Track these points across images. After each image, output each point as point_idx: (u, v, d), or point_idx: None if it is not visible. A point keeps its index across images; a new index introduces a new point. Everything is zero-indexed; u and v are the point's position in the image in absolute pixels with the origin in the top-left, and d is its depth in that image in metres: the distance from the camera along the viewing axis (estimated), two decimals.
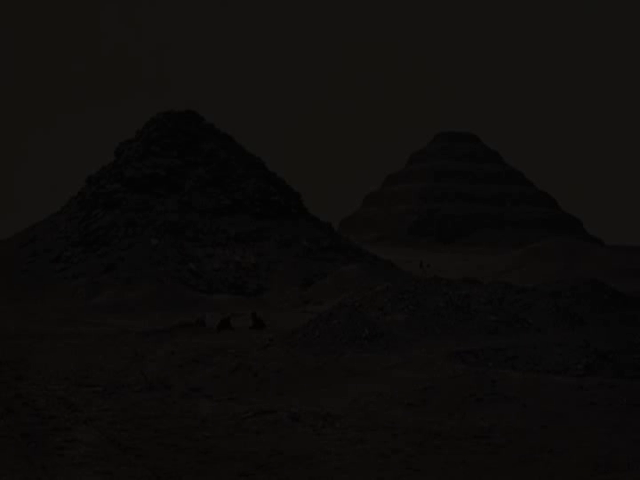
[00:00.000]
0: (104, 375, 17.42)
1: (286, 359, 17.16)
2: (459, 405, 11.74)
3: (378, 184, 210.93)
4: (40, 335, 28.79)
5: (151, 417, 12.40)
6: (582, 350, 16.29)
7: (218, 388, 15.05)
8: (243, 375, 15.97)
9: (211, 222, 67.31)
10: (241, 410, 12.70)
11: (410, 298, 24.07)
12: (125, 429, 11.42)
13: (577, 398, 11.55)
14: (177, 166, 71.87)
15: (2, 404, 13.41)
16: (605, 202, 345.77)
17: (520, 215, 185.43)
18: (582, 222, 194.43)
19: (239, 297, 53.80)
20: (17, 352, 22.43)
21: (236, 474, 8.88)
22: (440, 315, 22.72)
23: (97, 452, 9.81)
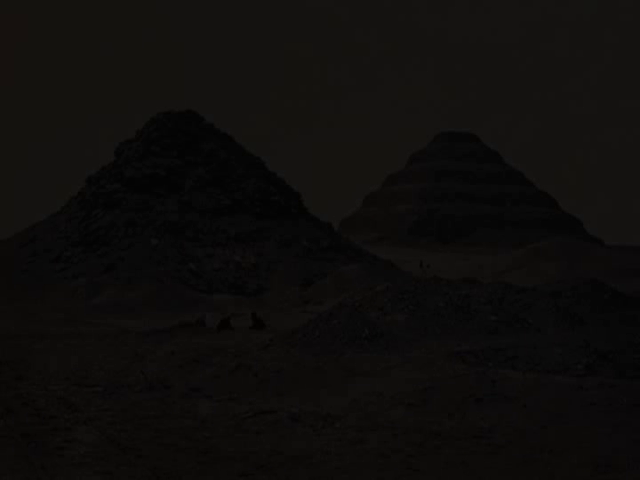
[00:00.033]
0: (104, 375, 17.42)
1: (286, 359, 17.16)
2: (459, 405, 11.74)
3: (378, 184, 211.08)
4: (40, 335, 28.80)
5: (151, 417, 12.40)
6: (582, 350, 16.29)
7: (218, 388, 15.04)
8: (243, 375, 15.97)
9: (211, 222, 67.31)
10: (241, 410, 12.69)
11: (410, 298, 24.06)
12: (125, 429, 11.42)
13: (577, 398, 11.55)
14: (177, 166, 71.87)
15: (2, 404, 13.41)
16: (605, 202, 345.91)
17: (520, 215, 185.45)
18: (582, 222, 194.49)
19: (239, 297, 53.81)
20: (17, 352, 22.43)
21: (236, 474, 8.88)
22: (440, 315, 22.72)
23: (97, 452, 9.81)
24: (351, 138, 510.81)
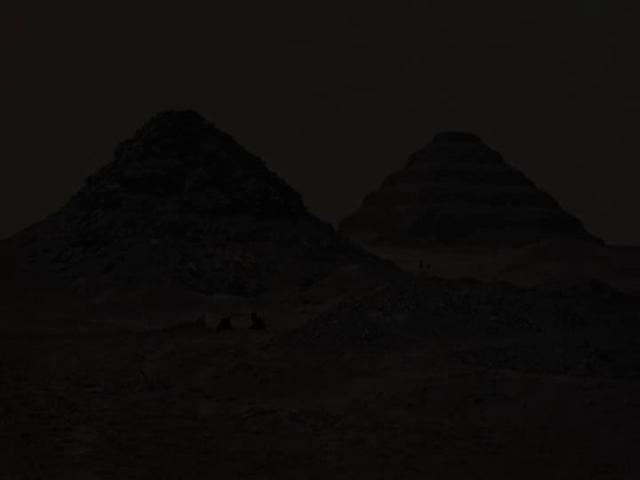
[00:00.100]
0: (104, 375, 17.42)
1: (286, 359, 17.16)
2: (459, 405, 11.74)
3: (378, 184, 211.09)
4: (40, 335, 28.80)
5: (151, 417, 12.40)
6: (582, 350, 16.29)
7: (218, 388, 15.04)
8: (243, 375, 15.97)
9: (211, 222, 67.31)
10: (241, 410, 12.69)
11: (410, 298, 24.06)
12: (125, 429, 11.42)
13: (577, 398, 11.55)
14: (177, 166, 71.88)
15: (2, 404, 13.41)
16: (605, 202, 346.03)
17: (520, 215, 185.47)
18: (582, 222, 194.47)
19: (239, 297, 53.81)
20: (17, 352, 22.43)
21: (236, 474, 8.88)
22: (440, 315, 22.71)
23: (97, 452, 9.80)
24: (351, 138, 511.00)
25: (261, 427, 11.42)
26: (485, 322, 22.36)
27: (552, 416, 10.68)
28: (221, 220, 67.97)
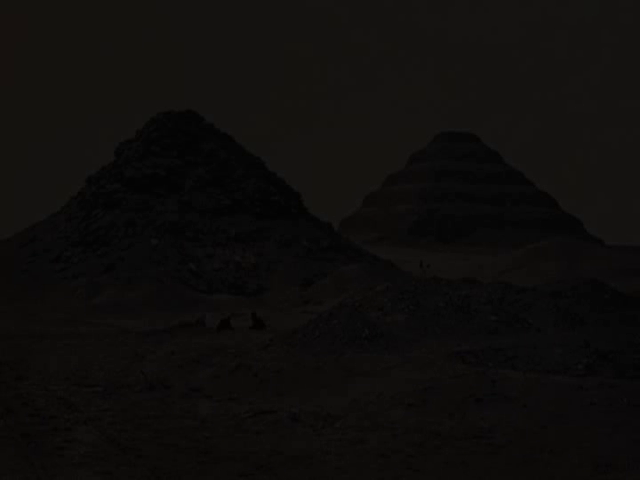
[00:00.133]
0: (104, 375, 17.42)
1: (286, 359, 17.15)
2: (459, 405, 11.74)
3: (378, 184, 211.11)
4: (40, 335, 28.80)
5: (151, 417, 12.40)
6: (582, 350, 16.29)
7: (218, 388, 15.04)
8: (243, 375, 15.97)
9: (211, 222, 67.31)
10: (241, 410, 12.69)
11: (410, 298, 24.06)
12: (125, 429, 11.42)
13: (577, 398, 11.55)
14: (177, 166, 71.88)
15: (2, 404, 13.41)
16: (605, 202, 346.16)
17: (520, 215, 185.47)
18: (582, 222, 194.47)
19: (239, 297, 53.81)
20: (17, 352, 22.43)
21: (236, 474, 8.88)
22: (440, 315, 22.71)
23: (97, 452, 9.80)
24: (351, 138, 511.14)
25: (261, 427, 11.42)
26: (485, 322, 22.36)
27: (552, 416, 10.68)
28: (221, 220, 67.97)
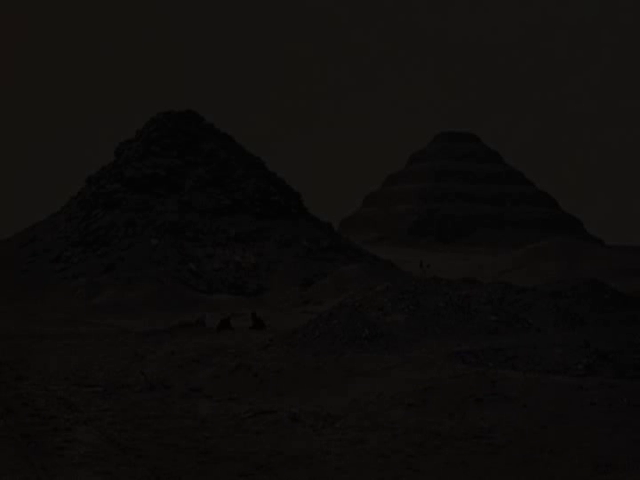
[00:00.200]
0: (104, 375, 17.42)
1: (286, 359, 17.15)
2: (459, 405, 11.73)
3: (378, 184, 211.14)
4: (40, 335, 28.81)
5: (151, 417, 12.40)
6: (582, 350, 16.29)
7: (218, 388, 15.04)
8: (243, 375, 15.97)
9: (211, 222, 67.30)
10: (241, 410, 12.69)
11: (410, 298, 24.05)
12: (125, 429, 11.42)
13: (577, 398, 11.55)
14: (177, 166, 71.88)
15: (2, 404, 13.41)
16: (605, 202, 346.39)
17: (520, 215, 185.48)
18: (582, 222, 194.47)
19: (239, 297, 53.81)
20: (17, 352, 22.43)
21: (236, 474, 8.88)
22: (440, 315, 22.71)
23: (97, 452, 9.80)
24: (351, 138, 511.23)
25: (261, 427, 11.42)
26: (485, 322, 22.36)
27: (552, 416, 10.67)
28: (221, 220, 67.96)
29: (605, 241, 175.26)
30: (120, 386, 15.74)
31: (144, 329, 30.42)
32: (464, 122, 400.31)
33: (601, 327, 22.25)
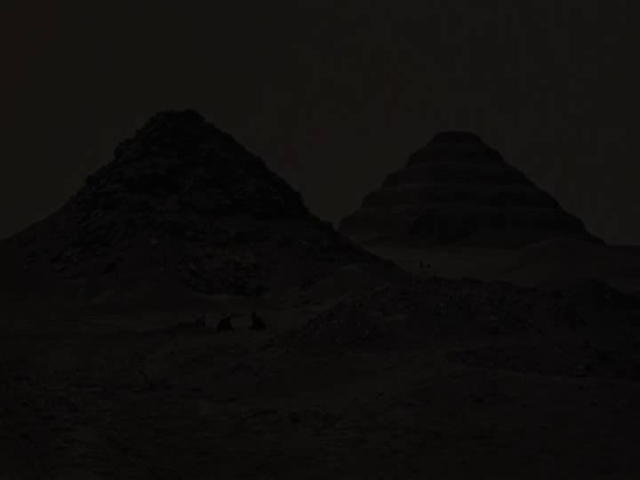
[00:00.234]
0: (104, 375, 17.41)
1: (286, 359, 17.15)
2: (459, 405, 11.73)
3: (378, 184, 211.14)
4: (40, 335, 28.79)
5: (151, 417, 12.39)
6: (583, 350, 16.28)
7: (218, 388, 15.04)
8: (243, 375, 15.97)
9: (211, 222, 67.29)
10: (241, 410, 12.69)
11: (410, 298, 24.05)
12: (125, 429, 11.41)
13: (578, 398, 11.54)
14: (177, 166, 71.87)
15: (2, 404, 13.40)
16: (605, 202, 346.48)
17: (520, 215, 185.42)
18: (582, 222, 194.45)
19: (239, 297, 53.79)
20: (17, 352, 22.42)
21: (236, 474, 8.88)
22: (440, 315, 22.70)
23: (97, 452, 9.80)
24: (351, 138, 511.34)
25: (261, 427, 11.41)
26: (485, 322, 22.35)
27: (552, 416, 10.67)
28: (221, 220, 67.95)
29: (605, 241, 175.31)
30: (120, 386, 15.73)
31: (144, 329, 30.40)
32: (464, 122, 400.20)
33: (601, 327, 22.24)
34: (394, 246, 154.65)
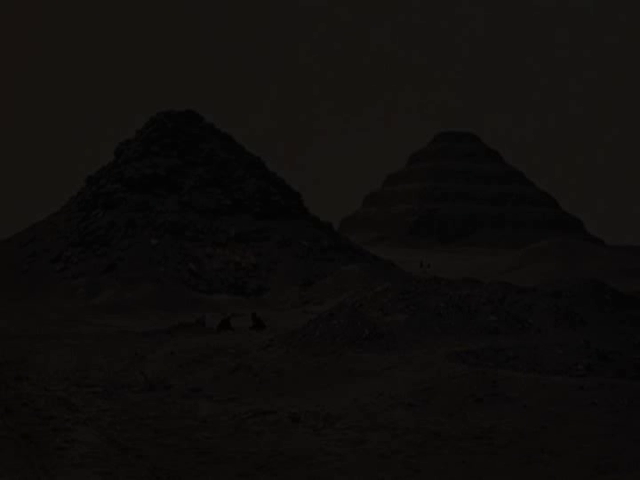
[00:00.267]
0: (104, 375, 17.41)
1: (286, 359, 17.15)
2: (459, 405, 11.73)
3: (378, 184, 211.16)
4: (40, 335, 28.79)
5: (151, 417, 12.39)
6: (583, 350, 16.28)
7: (218, 388, 15.03)
8: (243, 375, 15.96)
9: (211, 222, 67.30)
10: (241, 410, 12.68)
11: (410, 298, 24.05)
12: (125, 429, 11.41)
13: (578, 398, 11.54)
14: (177, 166, 71.87)
15: (2, 404, 13.40)
16: (605, 202, 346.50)
17: (520, 215, 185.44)
18: (582, 222, 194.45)
19: (239, 297, 53.80)
20: (17, 352, 22.41)
21: (236, 474, 8.88)
22: (440, 315, 22.70)
23: (97, 452, 9.80)
24: (351, 138, 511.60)
25: (261, 427, 11.41)
26: (485, 322, 22.34)
27: (552, 416, 10.67)
28: (221, 220, 67.95)
29: (605, 241, 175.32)
30: (120, 386, 15.73)
31: (144, 329, 30.40)
32: (464, 122, 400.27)
33: (601, 327, 22.24)
34: (394, 246, 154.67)
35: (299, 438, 10.62)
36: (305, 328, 20.15)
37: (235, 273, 60.67)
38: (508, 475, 8.48)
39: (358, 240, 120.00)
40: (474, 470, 8.72)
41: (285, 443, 10.34)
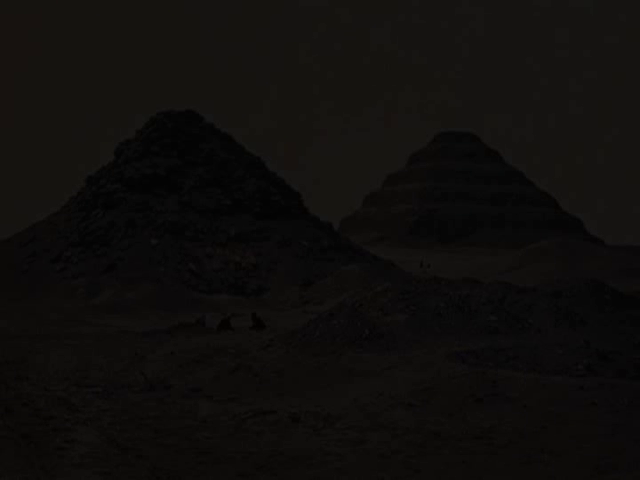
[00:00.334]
0: (104, 375, 17.41)
1: (286, 359, 17.15)
2: (459, 405, 11.73)
3: (378, 184, 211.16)
4: (40, 335, 28.79)
5: (151, 417, 12.39)
6: (583, 350, 16.28)
7: (218, 388, 15.03)
8: (243, 375, 15.96)
9: (211, 222, 67.30)
10: (241, 410, 12.68)
11: (410, 298, 24.04)
12: (125, 429, 11.41)
13: (578, 398, 11.54)
14: (177, 166, 71.87)
15: (2, 404, 13.40)
16: (605, 202, 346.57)
17: (520, 215, 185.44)
18: (582, 222, 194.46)
19: (239, 297, 53.80)
20: (17, 352, 22.41)
21: (236, 474, 8.88)
22: (440, 315, 22.70)
23: (97, 452, 9.80)
24: (351, 138, 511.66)
25: (261, 427, 11.41)
26: (485, 322, 22.34)
27: (552, 416, 10.67)
28: (221, 220, 67.95)
29: (605, 241, 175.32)
30: (120, 386, 15.73)
31: (144, 329, 30.40)
32: (464, 122, 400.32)
33: (601, 327, 22.23)
34: (394, 246, 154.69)
35: (299, 438, 10.62)
36: (305, 328, 20.14)
37: (235, 273, 60.68)
38: (508, 475, 8.48)
39: (358, 240, 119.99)
40: (474, 470, 8.72)
41: (285, 443, 10.34)
